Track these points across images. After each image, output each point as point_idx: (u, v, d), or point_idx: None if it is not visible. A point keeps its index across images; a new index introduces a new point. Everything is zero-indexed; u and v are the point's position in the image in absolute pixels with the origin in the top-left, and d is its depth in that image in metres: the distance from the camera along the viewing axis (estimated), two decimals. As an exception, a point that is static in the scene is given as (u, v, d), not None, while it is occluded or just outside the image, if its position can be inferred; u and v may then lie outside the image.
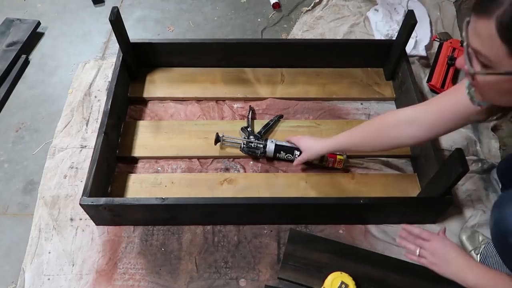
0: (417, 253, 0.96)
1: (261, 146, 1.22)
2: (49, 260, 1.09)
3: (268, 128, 1.30)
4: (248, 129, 1.28)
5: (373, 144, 1.01)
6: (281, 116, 1.34)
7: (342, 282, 0.99)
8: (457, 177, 0.95)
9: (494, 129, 1.36)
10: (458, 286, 0.88)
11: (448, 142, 1.30)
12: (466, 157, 1.25)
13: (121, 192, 1.18)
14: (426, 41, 1.57)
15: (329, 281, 1.00)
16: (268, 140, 1.23)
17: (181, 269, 1.08)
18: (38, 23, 1.64)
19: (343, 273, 1.01)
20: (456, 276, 0.89)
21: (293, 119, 1.36)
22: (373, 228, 1.15)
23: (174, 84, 1.42)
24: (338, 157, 1.21)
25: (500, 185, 1.18)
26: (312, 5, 1.74)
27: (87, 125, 1.34)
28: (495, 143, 1.32)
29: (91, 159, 1.10)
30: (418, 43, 1.55)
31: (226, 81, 1.43)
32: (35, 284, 1.05)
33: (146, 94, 1.40)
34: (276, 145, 1.22)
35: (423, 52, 1.53)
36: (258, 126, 1.32)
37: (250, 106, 1.36)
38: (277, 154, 1.23)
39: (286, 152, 1.22)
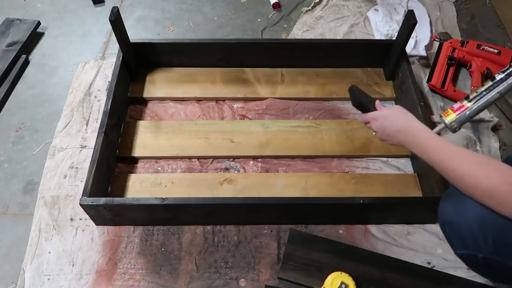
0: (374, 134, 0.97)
1: None
2: (49, 260, 1.09)
3: None
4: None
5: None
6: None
7: (342, 282, 0.99)
8: (457, 177, 0.95)
9: (494, 129, 1.36)
10: (459, 286, 0.88)
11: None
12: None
13: (121, 192, 1.18)
14: (426, 41, 1.57)
15: (329, 281, 1.00)
16: None
17: (181, 269, 1.08)
18: (38, 23, 1.64)
19: (343, 273, 1.01)
20: (413, 138, 0.87)
21: (293, 119, 1.36)
22: (373, 228, 1.15)
23: (174, 84, 1.42)
24: None
25: None
26: (312, 5, 1.74)
27: (87, 125, 1.34)
28: (495, 143, 1.32)
29: (91, 159, 1.10)
30: (418, 43, 1.55)
31: (226, 81, 1.43)
32: (35, 284, 1.05)
33: (146, 94, 1.40)
34: None
35: (423, 52, 1.53)
36: (257, 125, 1.32)
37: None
38: None
39: None
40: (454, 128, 0.95)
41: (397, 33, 1.34)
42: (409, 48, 1.50)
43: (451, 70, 1.45)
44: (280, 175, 1.23)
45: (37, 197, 1.19)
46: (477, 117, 1.34)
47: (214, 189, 1.19)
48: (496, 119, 1.36)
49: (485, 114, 1.39)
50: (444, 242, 1.12)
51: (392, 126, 0.93)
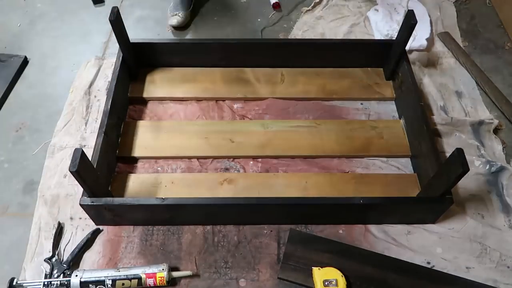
0: None
1: (64, 285, 1.01)
2: (49, 260, 1.09)
3: (80, 251, 1.08)
4: (53, 259, 1.07)
5: None
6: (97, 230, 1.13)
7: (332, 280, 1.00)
8: (457, 177, 0.95)
9: (495, 130, 1.35)
10: (459, 286, 0.88)
11: (449, 148, 1.30)
12: (475, 159, 1.25)
13: (121, 192, 1.18)
14: (427, 35, 1.57)
15: (322, 271, 1.01)
16: (73, 274, 1.01)
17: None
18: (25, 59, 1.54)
19: (338, 271, 1.02)
20: None
21: (293, 119, 1.36)
22: (373, 228, 1.15)
23: (174, 84, 1.42)
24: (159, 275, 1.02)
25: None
26: (312, 5, 1.74)
27: (86, 125, 1.34)
28: (497, 145, 1.32)
29: (91, 159, 1.09)
30: (419, 37, 1.55)
31: (226, 81, 1.43)
32: (35, 284, 1.05)
33: (146, 94, 1.40)
34: (81, 282, 0.99)
35: (424, 43, 1.53)
36: (257, 125, 1.32)
37: (59, 222, 1.13)
38: None
39: (95, 285, 1.00)
40: None
41: (397, 33, 1.34)
42: (409, 40, 1.50)
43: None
44: (280, 175, 1.23)
45: (37, 196, 1.19)
46: (477, 119, 1.35)
47: (214, 189, 1.19)
48: (496, 121, 1.36)
49: (485, 115, 1.39)
50: (443, 242, 1.12)
51: None
